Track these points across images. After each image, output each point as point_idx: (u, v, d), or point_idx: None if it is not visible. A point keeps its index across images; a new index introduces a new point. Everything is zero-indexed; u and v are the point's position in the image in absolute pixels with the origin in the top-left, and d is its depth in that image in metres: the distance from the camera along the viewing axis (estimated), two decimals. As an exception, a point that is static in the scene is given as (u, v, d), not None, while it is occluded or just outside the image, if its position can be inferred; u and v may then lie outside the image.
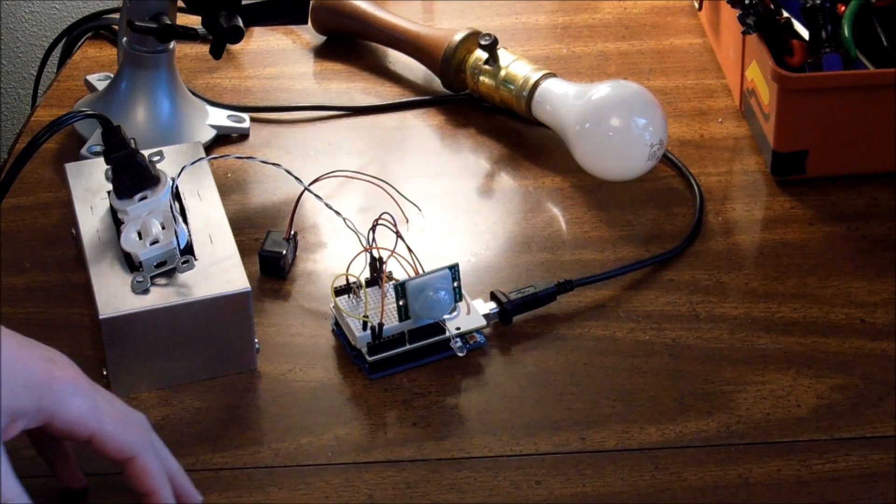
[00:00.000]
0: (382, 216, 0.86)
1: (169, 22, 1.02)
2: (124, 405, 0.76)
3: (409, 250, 0.87)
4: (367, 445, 0.83)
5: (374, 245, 0.87)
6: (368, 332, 0.85)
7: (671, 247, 0.97)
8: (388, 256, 0.87)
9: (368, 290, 0.87)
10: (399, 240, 0.86)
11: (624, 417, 0.84)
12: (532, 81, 1.08)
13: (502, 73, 1.09)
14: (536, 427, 0.84)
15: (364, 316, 0.86)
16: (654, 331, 0.91)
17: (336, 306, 0.87)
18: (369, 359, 0.86)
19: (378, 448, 0.82)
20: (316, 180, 0.93)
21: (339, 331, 0.89)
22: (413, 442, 0.83)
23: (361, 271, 0.87)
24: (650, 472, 0.81)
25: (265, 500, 0.79)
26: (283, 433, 0.83)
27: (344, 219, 0.90)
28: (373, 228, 0.86)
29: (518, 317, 0.91)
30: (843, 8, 1.04)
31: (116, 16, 1.22)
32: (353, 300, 0.88)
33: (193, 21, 1.03)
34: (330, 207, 0.92)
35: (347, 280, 0.87)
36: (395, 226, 0.86)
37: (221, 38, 1.00)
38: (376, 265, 0.88)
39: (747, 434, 0.83)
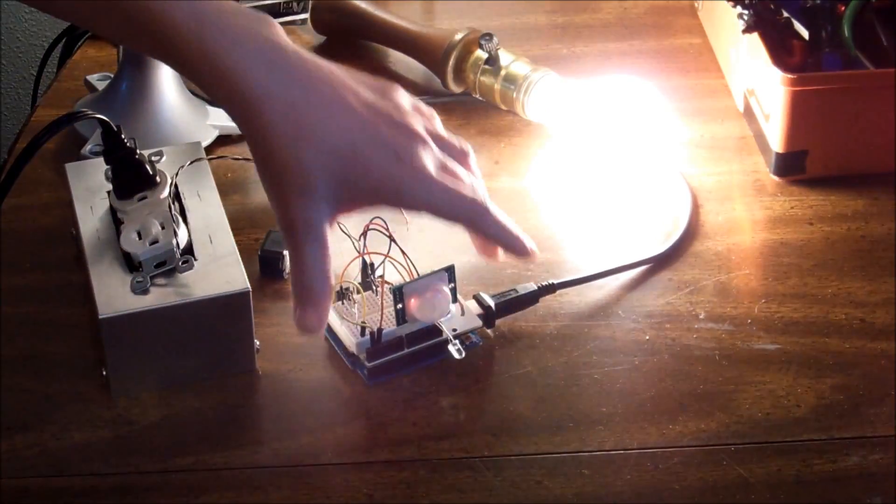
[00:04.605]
0: (374, 221, 0.86)
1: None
2: (461, 174, 0.83)
3: (403, 253, 0.87)
4: (367, 445, 0.83)
5: (365, 250, 0.86)
6: (367, 337, 0.85)
7: (671, 247, 0.97)
8: (382, 261, 0.87)
9: (363, 295, 0.87)
10: (392, 243, 0.86)
11: (624, 417, 0.84)
12: (532, 81, 1.08)
13: (502, 72, 1.09)
14: (536, 427, 0.84)
15: (361, 322, 0.86)
16: (654, 331, 0.91)
17: (331, 314, 0.87)
18: (368, 364, 0.86)
19: (378, 448, 0.82)
20: (316, 180, 0.93)
21: (333, 337, 0.89)
22: (413, 442, 0.83)
23: (356, 276, 0.87)
24: (650, 472, 0.81)
25: (265, 500, 0.79)
26: (283, 433, 0.83)
27: (338, 223, 0.90)
28: (363, 234, 0.86)
29: (518, 316, 0.91)
30: (842, 8, 1.04)
31: (116, 16, 1.22)
32: (348, 306, 0.88)
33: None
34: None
35: (341, 287, 0.87)
36: (387, 229, 0.86)
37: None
38: (368, 270, 0.88)
39: (747, 434, 0.83)
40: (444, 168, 0.83)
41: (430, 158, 0.82)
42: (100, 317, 0.83)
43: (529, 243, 0.85)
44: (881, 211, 1.01)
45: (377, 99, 0.82)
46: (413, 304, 0.85)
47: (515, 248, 0.85)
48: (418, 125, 0.83)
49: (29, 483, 0.80)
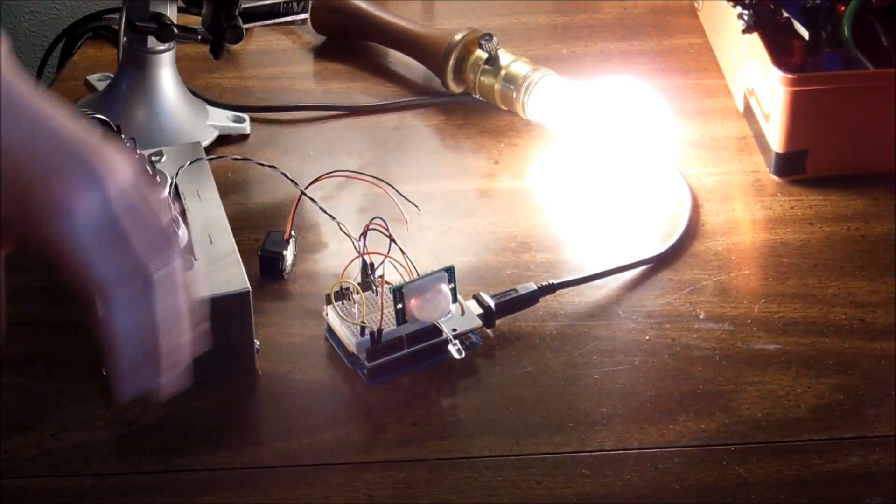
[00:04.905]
0: (374, 221, 0.86)
1: (169, 22, 1.03)
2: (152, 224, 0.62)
3: (403, 253, 0.87)
4: (367, 445, 0.83)
5: (365, 250, 0.86)
6: (367, 337, 0.85)
7: (671, 247, 0.98)
8: (382, 261, 0.87)
9: (363, 295, 0.87)
10: (392, 243, 0.86)
11: (624, 417, 0.84)
12: (532, 81, 1.08)
13: (502, 73, 1.09)
14: (536, 427, 0.84)
15: (361, 322, 0.86)
16: (654, 331, 0.91)
17: (331, 314, 0.87)
18: (368, 364, 0.86)
19: (378, 448, 0.82)
20: (315, 181, 0.93)
21: (333, 337, 0.89)
22: (413, 442, 0.83)
23: (356, 276, 0.87)
24: (650, 472, 0.81)
25: (265, 500, 0.79)
26: (283, 433, 0.83)
27: (338, 223, 0.90)
28: (363, 234, 0.86)
29: (518, 316, 0.91)
30: (842, 8, 1.04)
31: (116, 16, 1.22)
32: (348, 306, 0.87)
33: (193, 21, 1.03)
34: (324, 211, 0.91)
35: (342, 287, 0.87)
36: (387, 229, 0.86)
37: (221, 38, 1.01)
38: (368, 271, 0.88)
39: (747, 434, 0.83)
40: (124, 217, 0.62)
41: (104, 194, 0.60)
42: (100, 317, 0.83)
43: (126, 390, 0.63)
44: (881, 211, 1.01)
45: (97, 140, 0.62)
46: (413, 304, 0.85)
47: (114, 384, 0.63)
48: (129, 174, 0.61)
49: (29, 483, 0.80)
